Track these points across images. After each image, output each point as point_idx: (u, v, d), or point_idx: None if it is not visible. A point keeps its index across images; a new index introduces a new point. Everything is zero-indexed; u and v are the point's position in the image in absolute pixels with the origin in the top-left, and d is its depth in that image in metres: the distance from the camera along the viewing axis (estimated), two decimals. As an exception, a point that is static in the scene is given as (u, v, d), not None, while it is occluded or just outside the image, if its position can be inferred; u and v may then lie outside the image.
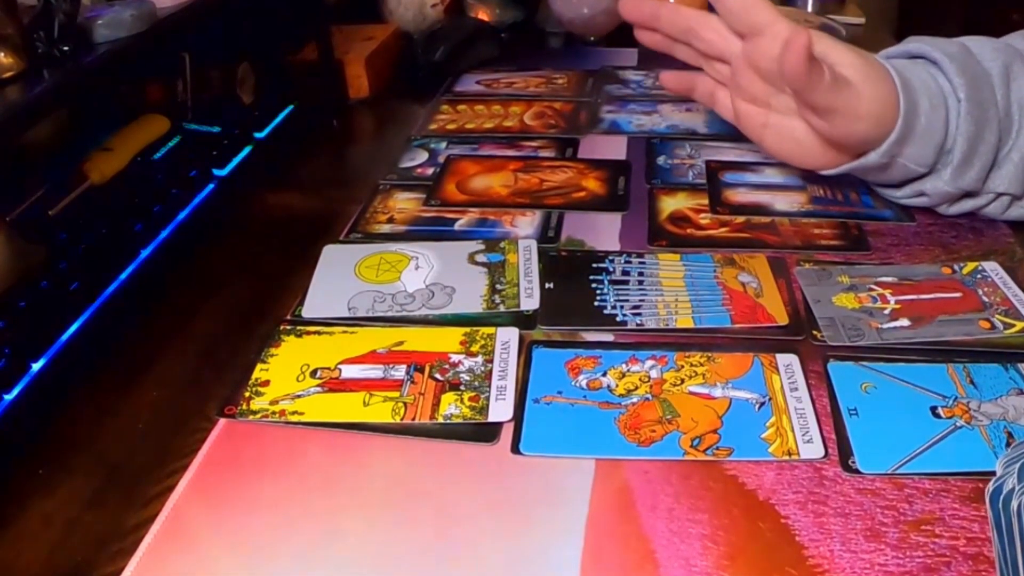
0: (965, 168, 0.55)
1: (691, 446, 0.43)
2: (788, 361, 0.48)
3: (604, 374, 0.48)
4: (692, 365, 0.48)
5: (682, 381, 0.47)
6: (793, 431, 0.43)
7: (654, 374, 0.48)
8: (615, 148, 0.75)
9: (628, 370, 0.48)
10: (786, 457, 0.42)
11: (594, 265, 0.57)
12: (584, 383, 0.47)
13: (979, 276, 0.55)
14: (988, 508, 0.38)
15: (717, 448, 0.43)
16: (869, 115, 0.53)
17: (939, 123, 0.54)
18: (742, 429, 0.44)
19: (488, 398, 0.46)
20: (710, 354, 0.49)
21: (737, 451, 0.42)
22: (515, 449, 0.43)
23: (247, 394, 0.47)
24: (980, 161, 0.55)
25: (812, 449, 0.42)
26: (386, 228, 0.63)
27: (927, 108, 0.54)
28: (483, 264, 0.58)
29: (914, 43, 0.59)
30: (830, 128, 0.55)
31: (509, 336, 0.51)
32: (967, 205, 0.59)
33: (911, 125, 0.53)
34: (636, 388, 0.47)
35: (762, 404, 0.45)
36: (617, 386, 0.47)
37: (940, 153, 0.55)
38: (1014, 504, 0.35)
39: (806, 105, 0.55)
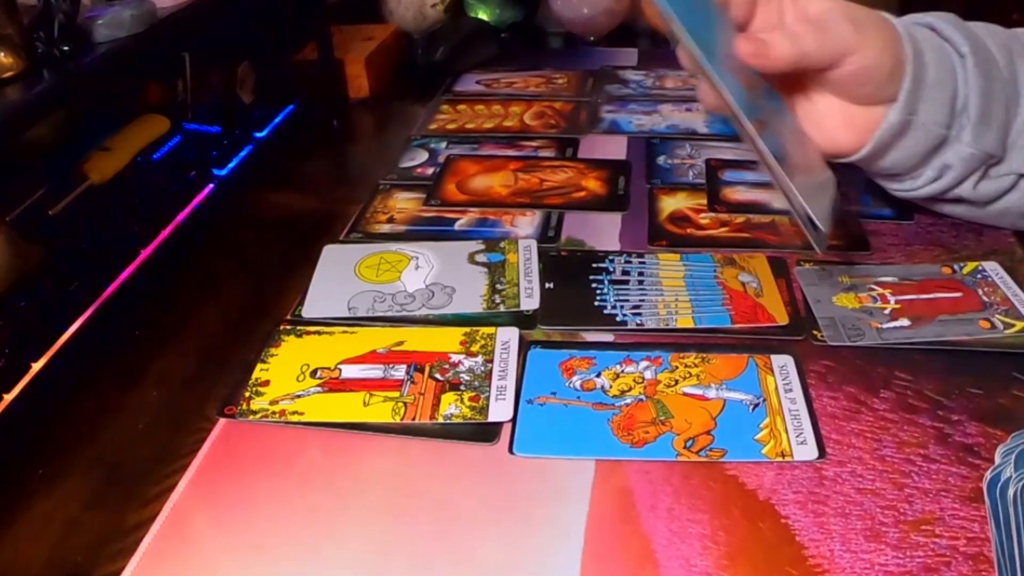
0: (984, 127, 0.53)
1: (684, 447, 0.43)
2: (783, 362, 0.48)
3: (598, 375, 0.48)
4: (687, 366, 0.48)
5: (676, 382, 0.47)
6: (787, 432, 0.43)
7: (648, 375, 0.48)
8: (615, 148, 0.75)
9: (622, 371, 0.48)
10: (779, 458, 0.42)
11: (594, 265, 0.57)
12: (578, 384, 0.47)
13: (979, 276, 0.55)
14: (986, 496, 0.38)
15: (710, 449, 0.43)
16: (874, 46, 0.51)
17: (947, 76, 0.53)
18: (736, 430, 0.44)
19: (488, 398, 0.46)
20: (705, 355, 0.49)
21: (730, 452, 0.42)
22: (510, 450, 0.43)
23: (247, 394, 0.47)
24: (996, 120, 0.53)
25: (806, 451, 0.42)
26: (386, 228, 0.63)
27: (934, 59, 0.53)
28: (483, 264, 0.58)
29: (905, 17, 0.56)
30: (843, 76, 0.52)
31: (509, 336, 0.51)
32: (991, 187, 0.56)
33: (921, 75, 0.52)
34: (630, 389, 0.47)
35: (756, 405, 0.45)
36: (611, 387, 0.47)
37: (954, 112, 0.53)
38: (1011, 492, 0.35)
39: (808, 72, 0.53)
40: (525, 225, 0.63)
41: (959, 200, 0.57)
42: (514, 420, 0.45)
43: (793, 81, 0.55)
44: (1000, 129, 0.53)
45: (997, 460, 0.39)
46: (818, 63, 0.52)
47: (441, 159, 0.73)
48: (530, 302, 0.54)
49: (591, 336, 0.51)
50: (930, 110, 0.52)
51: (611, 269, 0.57)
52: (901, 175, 0.57)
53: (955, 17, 0.56)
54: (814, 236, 0.50)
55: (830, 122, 0.54)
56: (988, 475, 0.38)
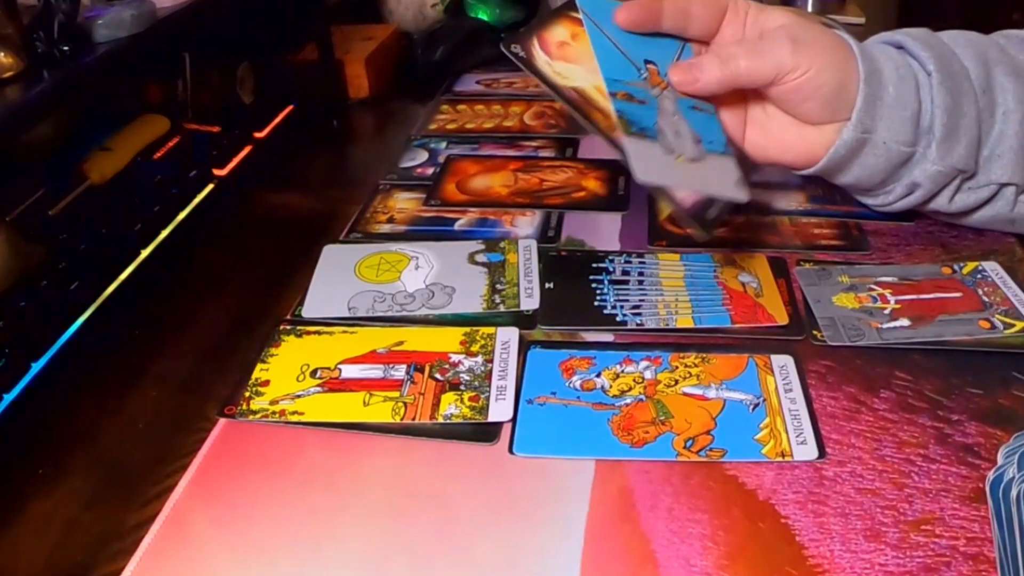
0: (950, 143, 0.53)
1: (684, 447, 0.43)
2: (783, 362, 0.48)
3: (598, 375, 0.48)
4: (687, 366, 0.48)
5: (676, 382, 0.47)
6: (787, 432, 0.43)
7: (648, 375, 0.48)
8: (615, 148, 0.74)
9: (622, 371, 0.48)
10: (779, 458, 0.42)
11: (594, 265, 0.57)
12: (578, 384, 0.47)
13: (979, 276, 0.55)
14: (988, 497, 0.38)
15: (710, 449, 0.43)
16: (813, 65, 0.51)
17: (910, 95, 0.53)
18: (736, 430, 0.44)
19: (488, 398, 0.46)
20: (705, 355, 0.49)
21: (730, 452, 0.42)
22: (510, 450, 0.43)
23: (247, 394, 0.47)
24: (965, 136, 0.53)
25: (806, 451, 0.42)
26: (386, 228, 0.63)
27: (894, 78, 0.53)
28: (483, 264, 0.58)
29: (876, 37, 0.58)
30: (782, 93, 0.52)
31: (509, 336, 0.51)
32: (970, 198, 0.56)
33: (876, 94, 0.52)
34: (630, 389, 0.47)
35: (756, 405, 0.45)
36: (611, 387, 0.47)
37: (918, 129, 0.53)
38: (1014, 492, 0.35)
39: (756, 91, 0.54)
40: (525, 225, 0.63)
41: (938, 212, 0.58)
42: (514, 420, 0.45)
43: (749, 94, 0.55)
44: (970, 144, 0.53)
45: (1000, 461, 0.39)
46: (754, 81, 0.52)
47: (441, 159, 0.73)
48: (530, 302, 0.54)
49: (591, 336, 0.51)
50: (890, 128, 0.53)
51: (611, 269, 0.57)
52: (872, 190, 0.58)
53: (927, 32, 0.56)
54: (626, 162, 0.48)
55: (785, 135, 0.55)
56: (991, 476, 0.38)
